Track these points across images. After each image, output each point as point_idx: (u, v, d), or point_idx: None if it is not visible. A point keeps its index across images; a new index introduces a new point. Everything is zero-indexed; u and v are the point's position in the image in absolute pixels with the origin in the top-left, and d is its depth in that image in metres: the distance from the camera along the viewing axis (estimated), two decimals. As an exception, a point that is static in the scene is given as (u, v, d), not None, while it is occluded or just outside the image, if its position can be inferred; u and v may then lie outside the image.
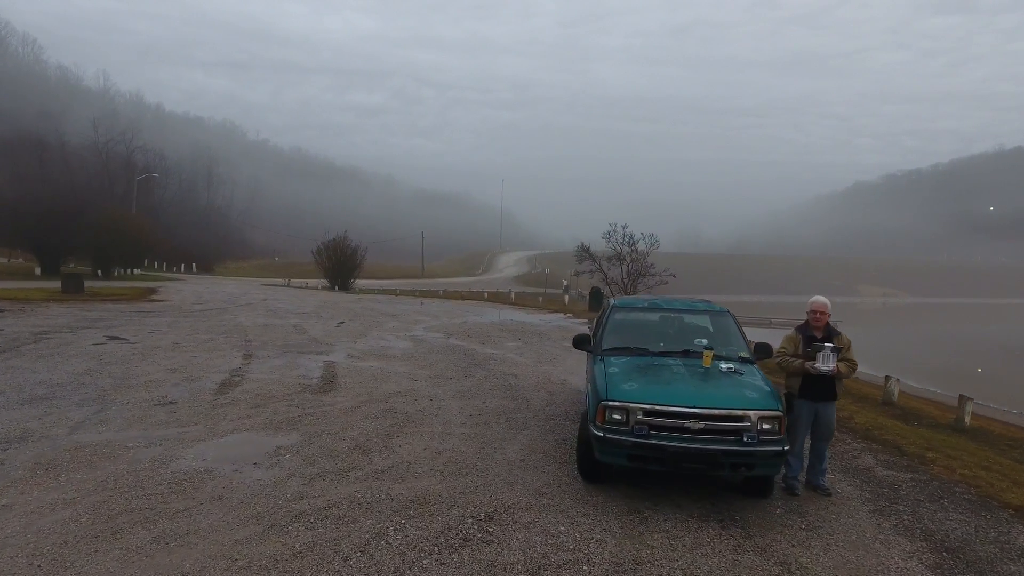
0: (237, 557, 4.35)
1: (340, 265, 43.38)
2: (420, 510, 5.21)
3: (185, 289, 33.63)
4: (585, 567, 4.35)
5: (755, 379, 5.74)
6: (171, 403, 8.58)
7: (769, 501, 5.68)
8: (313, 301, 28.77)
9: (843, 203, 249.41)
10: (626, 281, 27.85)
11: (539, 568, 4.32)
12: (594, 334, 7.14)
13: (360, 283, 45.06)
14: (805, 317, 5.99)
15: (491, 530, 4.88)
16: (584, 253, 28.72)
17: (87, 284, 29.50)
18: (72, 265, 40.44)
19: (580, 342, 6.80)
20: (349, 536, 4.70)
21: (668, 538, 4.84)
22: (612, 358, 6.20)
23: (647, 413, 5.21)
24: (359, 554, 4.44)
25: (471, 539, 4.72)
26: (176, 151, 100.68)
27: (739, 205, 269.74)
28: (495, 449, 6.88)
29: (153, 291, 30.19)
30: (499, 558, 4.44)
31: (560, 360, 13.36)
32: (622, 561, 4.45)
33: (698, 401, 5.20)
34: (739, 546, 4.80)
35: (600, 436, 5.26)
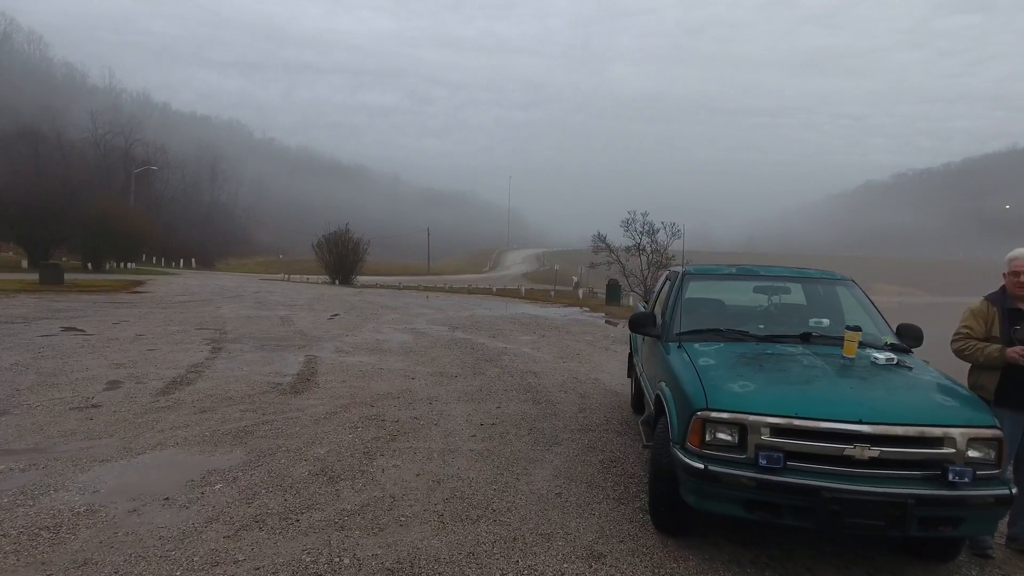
0: None
1: (341, 259, 41.31)
2: (403, 590, 3.18)
3: (175, 282, 31.70)
4: None
5: (933, 376, 3.67)
6: (94, 407, 6.60)
7: (953, 568, 3.63)
8: (308, 294, 26.79)
9: (854, 202, 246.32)
10: (646, 273, 25.73)
11: None
12: (656, 312, 5.07)
13: (362, 279, 43.04)
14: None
15: (523, 636, 2.85)
16: (601, 243, 26.60)
17: (74, 277, 27.64)
18: (64, 259, 38.65)
19: (641, 323, 4.71)
20: (273, 650, 2.68)
21: (832, 652, 2.79)
22: (697, 345, 4.14)
23: (779, 432, 3.16)
24: None
25: (489, 656, 2.69)
26: (180, 148, 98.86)
27: (750, 204, 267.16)
28: (518, 476, 4.84)
29: (140, 283, 28.29)
30: None
31: (585, 356, 11.30)
32: None
33: (865, 412, 3.15)
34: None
35: (698, 469, 3.21)
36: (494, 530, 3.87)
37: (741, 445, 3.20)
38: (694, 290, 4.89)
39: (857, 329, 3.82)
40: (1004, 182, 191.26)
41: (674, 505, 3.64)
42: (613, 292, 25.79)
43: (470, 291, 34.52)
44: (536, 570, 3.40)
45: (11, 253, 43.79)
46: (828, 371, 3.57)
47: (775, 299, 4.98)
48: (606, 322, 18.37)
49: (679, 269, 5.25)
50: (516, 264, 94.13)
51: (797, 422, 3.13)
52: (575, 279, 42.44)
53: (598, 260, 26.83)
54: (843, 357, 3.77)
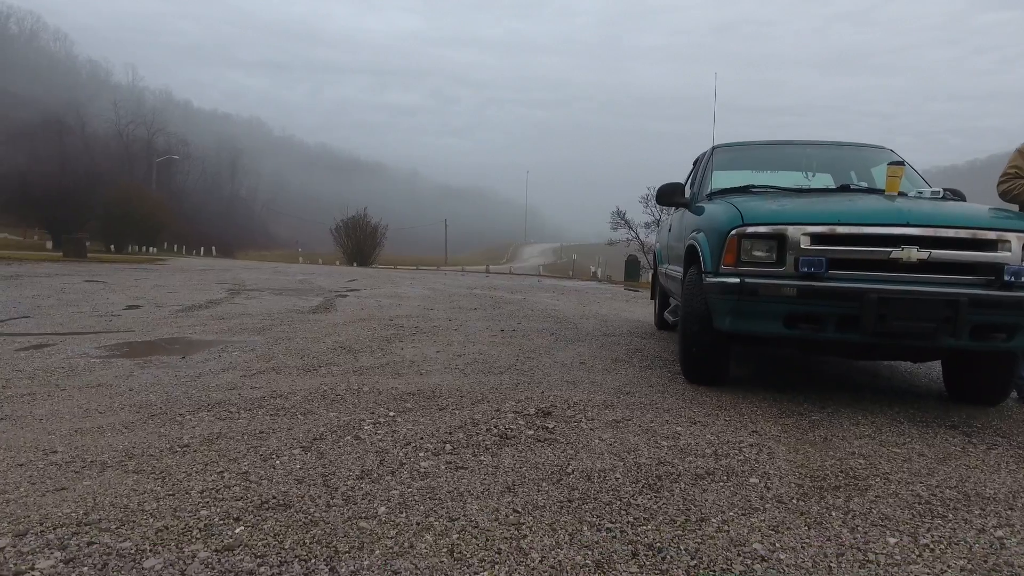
0: (60, 448, 2.25)
1: (360, 244, 41.41)
2: (423, 403, 3.07)
3: (196, 260, 32.03)
4: (757, 480, 2.16)
5: (984, 205, 3.48)
6: (113, 316, 6.57)
7: (1003, 410, 3.43)
8: (325, 269, 26.88)
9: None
10: (666, 250, 25.41)
11: (668, 475, 2.14)
12: (687, 186, 4.88)
13: (380, 267, 43.16)
14: None
15: (551, 426, 2.72)
16: (620, 220, 26.35)
17: (97, 255, 27.94)
18: (88, 244, 39.10)
19: (669, 192, 4.52)
20: (289, 429, 2.58)
21: (880, 445, 2.63)
22: (731, 197, 3.97)
23: (820, 239, 2.98)
24: (299, 451, 2.30)
25: (514, 436, 2.57)
26: (200, 143, 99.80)
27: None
28: (540, 355, 4.71)
29: (162, 260, 28.60)
30: (574, 462, 2.28)
31: (606, 305, 11.13)
32: (824, 474, 2.26)
33: (913, 216, 2.97)
34: (1009, 458, 2.54)
35: (734, 284, 3.04)
36: (518, 378, 3.75)
37: (780, 260, 3.03)
38: (727, 155, 4.70)
39: (900, 163, 3.63)
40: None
41: (706, 347, 3.48)
42: (632, 268, 25.49)
43: (487, 272, 34.45)
44: (561, 397, 3.27)
45: (36, 237, 44.47)
46: (872, 196, 3.39)
47: (813, 163, 4.77)
48: (626, 288, 18.18)
49: (707, 151, 5.07)
50: (533, 257, 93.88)
51: (840, 229, 2.96)
52: (593, 269, 42.04)
53: (617, 237, 26.55)
54: (884, 194, 3.58)
